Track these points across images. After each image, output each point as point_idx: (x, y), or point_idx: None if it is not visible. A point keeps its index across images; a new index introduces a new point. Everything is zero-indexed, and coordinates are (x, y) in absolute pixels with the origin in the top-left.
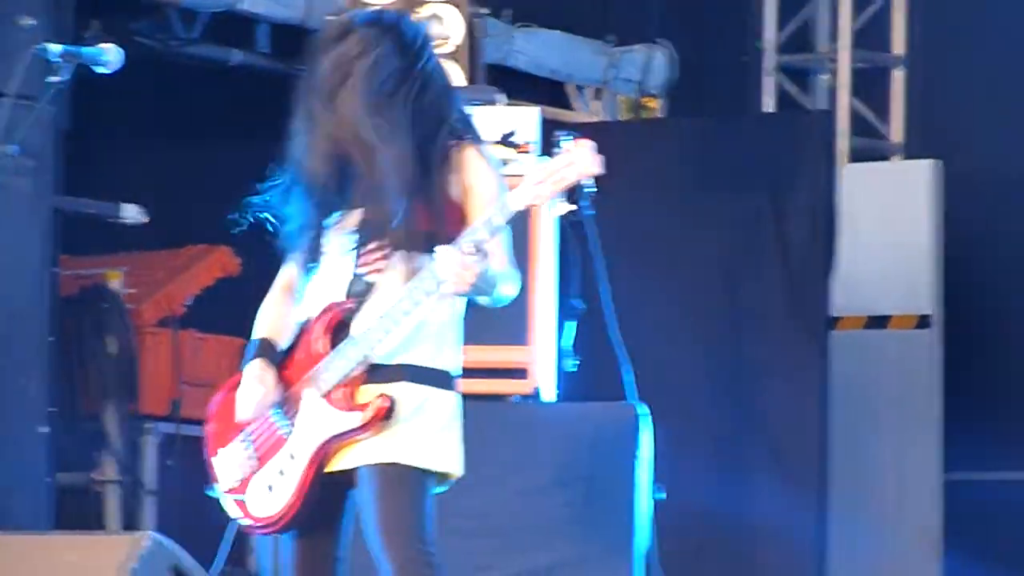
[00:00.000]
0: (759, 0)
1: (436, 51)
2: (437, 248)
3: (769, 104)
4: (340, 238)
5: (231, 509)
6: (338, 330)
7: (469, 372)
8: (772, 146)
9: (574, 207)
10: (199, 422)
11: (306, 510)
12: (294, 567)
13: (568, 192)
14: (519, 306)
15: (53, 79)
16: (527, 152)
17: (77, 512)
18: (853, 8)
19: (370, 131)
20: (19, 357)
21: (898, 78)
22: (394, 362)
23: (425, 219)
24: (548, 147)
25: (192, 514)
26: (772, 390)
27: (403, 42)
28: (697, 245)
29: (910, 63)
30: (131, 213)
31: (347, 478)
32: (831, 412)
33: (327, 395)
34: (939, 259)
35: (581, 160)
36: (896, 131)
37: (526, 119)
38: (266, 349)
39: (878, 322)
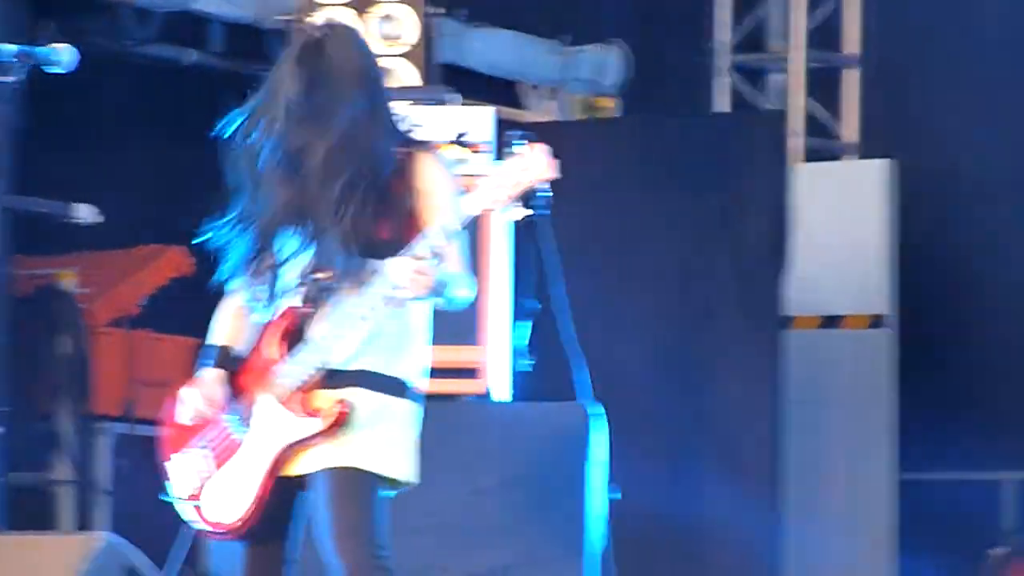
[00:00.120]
0: (713, 0)
1: (388, 52)
2: (393, 252)
3: (723, 104)
4: (297, 241)
5: (188, 514)
6: (294, 336)
7: None
8: (725, 146)
9: (529, 210)
10: (154, 422)
11: (264, 515)
12: (246, 570)
13: (527, 197)
14: (470, 306)
15: (7, 79)
16: (481, 152)
17: (30, 512)
18: (807, 8)
19: (329, 140)
20: None
21: (852, 78)
22: (351, 368)
23: (381, 225)
24: (502, 147)
25: (147, 514)
26: (725, 390)
27: (352, 54)
28: (650, 244)
29: (864, 63)
30: (84, 213)
31: (299, 482)
32: (785, 412)
33: (284, 401)
34: (893, 259)
35: (536, 164)
36: (850, 131)
37: (480, 119)
38: (221, 355)
39: (832, 322)
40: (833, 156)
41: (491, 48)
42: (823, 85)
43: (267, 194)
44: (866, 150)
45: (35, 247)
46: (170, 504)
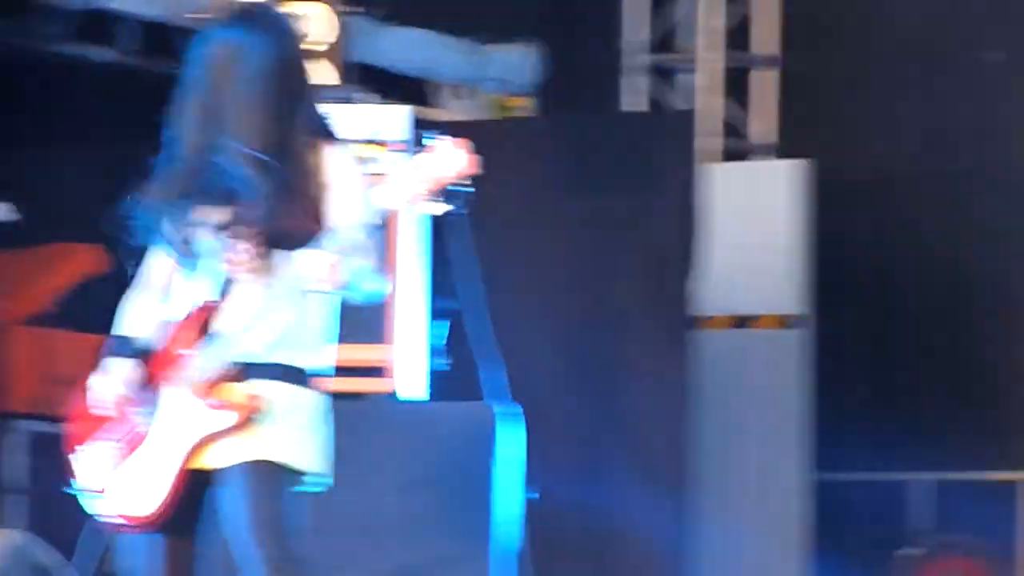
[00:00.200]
0: (628, 0)
1: (301, 49)
2: (304, 247)
3: (636, 103)
4: (209, 235)
5: (98, 508)
6: (206, 328)
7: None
8: (635, 145)
9: (447, 206)
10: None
11: (178, 508)
12: (158, 564)
13: (444, 193)
14: (378, 304)
15: None
16: (396, 151)
17: None
18: (724, 9)
19: (240, 130)
20: None
21: (768, 78)
22: (264, 361)
23: (290, 218)
24: (417, 146)
25: (62, 513)
26: (636, 391)
27: (272, 42)
28: (562, 244)
29: (780, 63)
30: (0, 211)
31: (210, 475)
32: (699, 412)
33: (196, 393)
34: (808, 259)
35: (452, 159)
36: (766, 131)
37: (395, 118)
38: (128, 346)
39: (745, 322)
40: (748, 156)
41: (405, 47)
42: (738, 85)
43: (185, 182)
44: (782, 150)
45: None
46: (77, 497)
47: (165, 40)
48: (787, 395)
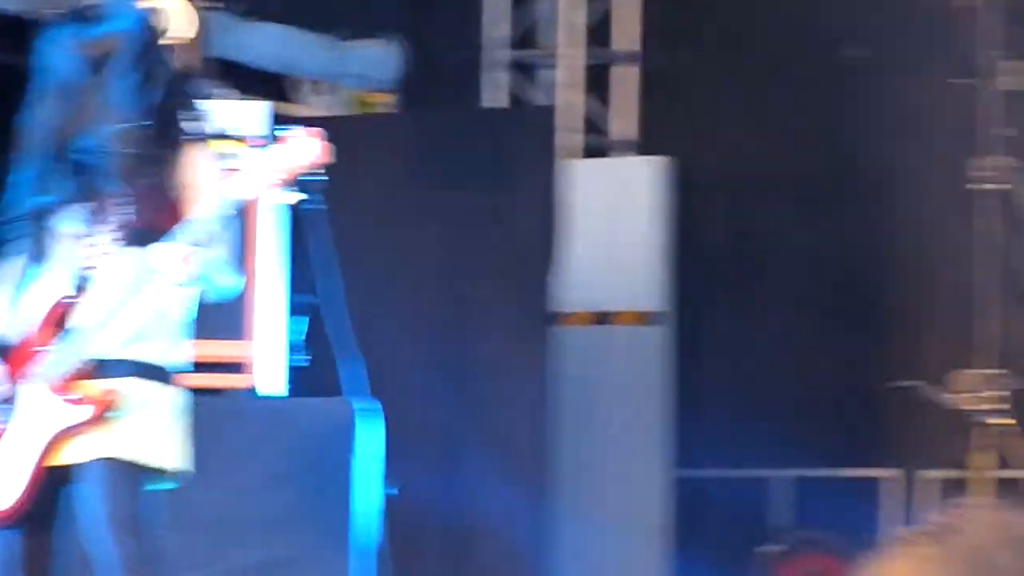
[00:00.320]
0: None
1: (163, 45)
2: (158, 242)
3: (497, 100)
4: (67, 230)
5: None
6: (62, 323)
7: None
8: (496, 142)
9: (303, 196)
10: None
11: (35, 504)
12: (15, 560)
13: (299, 183)
14: (236, 300)
15: None
16: (255, 146)
17: None
18: (585, 5)
19: (102, 127)
20: None
21: (629, 74)
22: (120, 357)
23: (148, 214)
24: (276, 141)
25: None
26: (496, 386)
27: (138, 40)
28: (423, 241)
29: (641, 59)
30: None
31: (67, 472)
32: (559, 408)
33: (53, 389)
34: (668, 255)
35: (304, 149)
36: (627, 128)
37: (254, 113)
38: None
39: (605, 318)
40: (609, 153)
41: (265, 43)
42: (599, 82)
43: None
44: (641, 147)
45: None
46: None
47: (24, 34)
48: (647, 392)
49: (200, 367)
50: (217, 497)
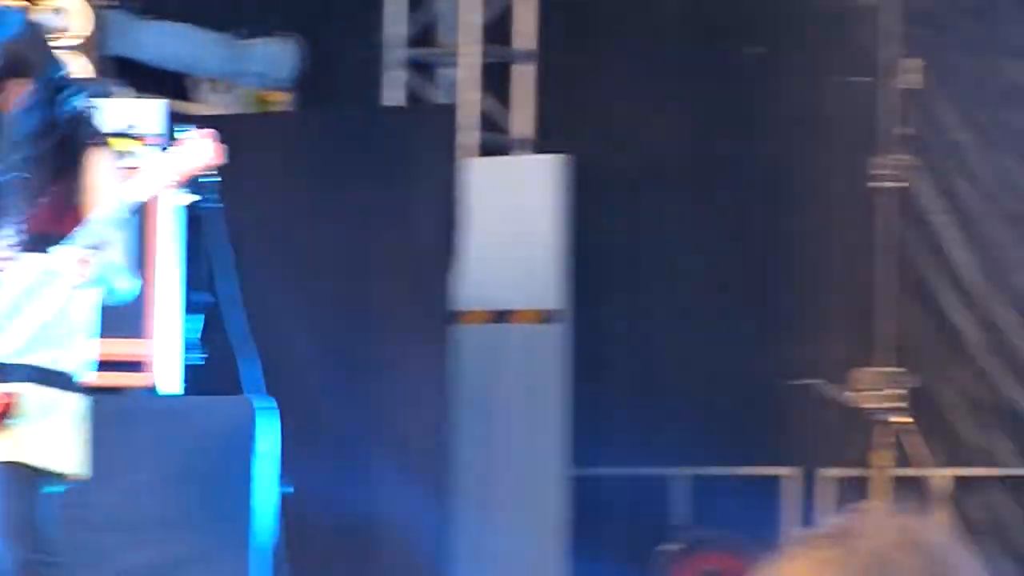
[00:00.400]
0: None
1: (59, 45)
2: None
3: (396, 98)
4: None
5: None
6: None
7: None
8: (395, 140)
9: (195, 197)
10: None
11: None
12: None
13: (193, 184)
14: (137, 299)
15: None
16: (152, 145)
17: None
18: (482, 3)
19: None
20: None
21: (527, 72)
22: (19, 362)
23: (49, 220)
24: (173, 140)
25: None
26: (395, 386)
27: (33, 50)
28: (323, 239)
29: (539, 58)
30: None
31: None
32: (458, 407)
33: None
34: (567, 254)
35: (200, 150)
36: (526, 126)
37: (151, 112)
38: None
39: (503, 317)
40: (508, 151)
41: (163, 41)
42: (497, 80)
43: None
44: (540, 145)
45: None
46: None
47: None
48: (545, 390)
49: (101, 365)
50: (116, 496)
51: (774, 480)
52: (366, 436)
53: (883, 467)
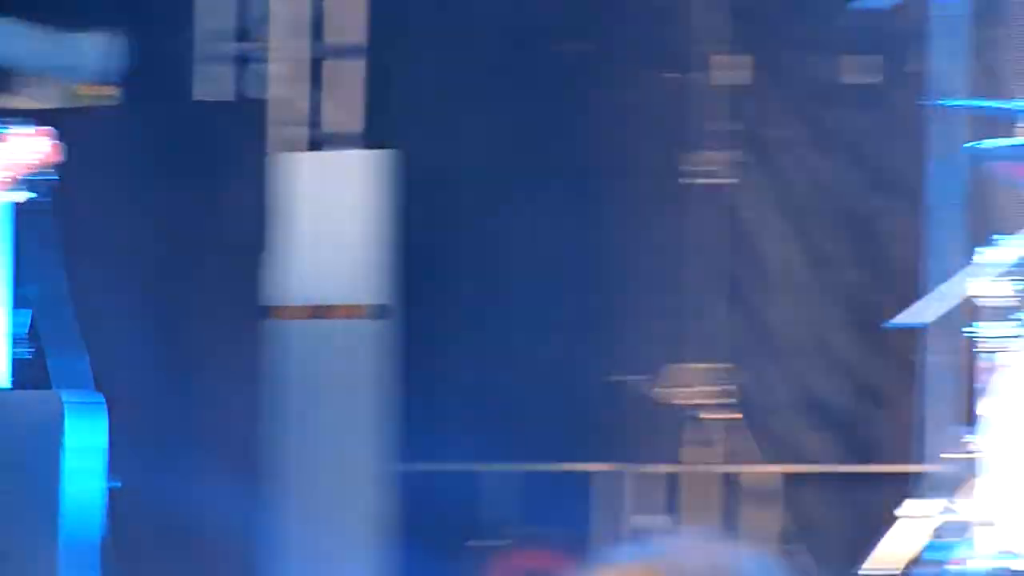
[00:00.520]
0: None
1: None
2: None
3: (218, 93)
4: None
5: None
6: None
7: None
8: (213, 134)
9: (29, 194)
10: None
11: None
12: None
13: (24, 182)
14: None
15: None
16: None
17: None
18: None
19: None
20: None
21: (352, 67)
22: None
23: None
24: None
25: None
26: (214, 382)
27: None
28: (141, 234)
29: (365, 52)
30: None
31: None
32: (277, 402)
33: None
34: (389, 248)
35: (33, 147)
36: (349, 120)
37: None
38: None
39: (323, 311)
40: (330, 146)
41: None
42: (321, 74)
43: None
44: (364, 140)
45: None
46: None
47: None
48: (366, 385)
49: None
50: None
51: (591, 476)
52: (188, 434)
53: (698, 464)
